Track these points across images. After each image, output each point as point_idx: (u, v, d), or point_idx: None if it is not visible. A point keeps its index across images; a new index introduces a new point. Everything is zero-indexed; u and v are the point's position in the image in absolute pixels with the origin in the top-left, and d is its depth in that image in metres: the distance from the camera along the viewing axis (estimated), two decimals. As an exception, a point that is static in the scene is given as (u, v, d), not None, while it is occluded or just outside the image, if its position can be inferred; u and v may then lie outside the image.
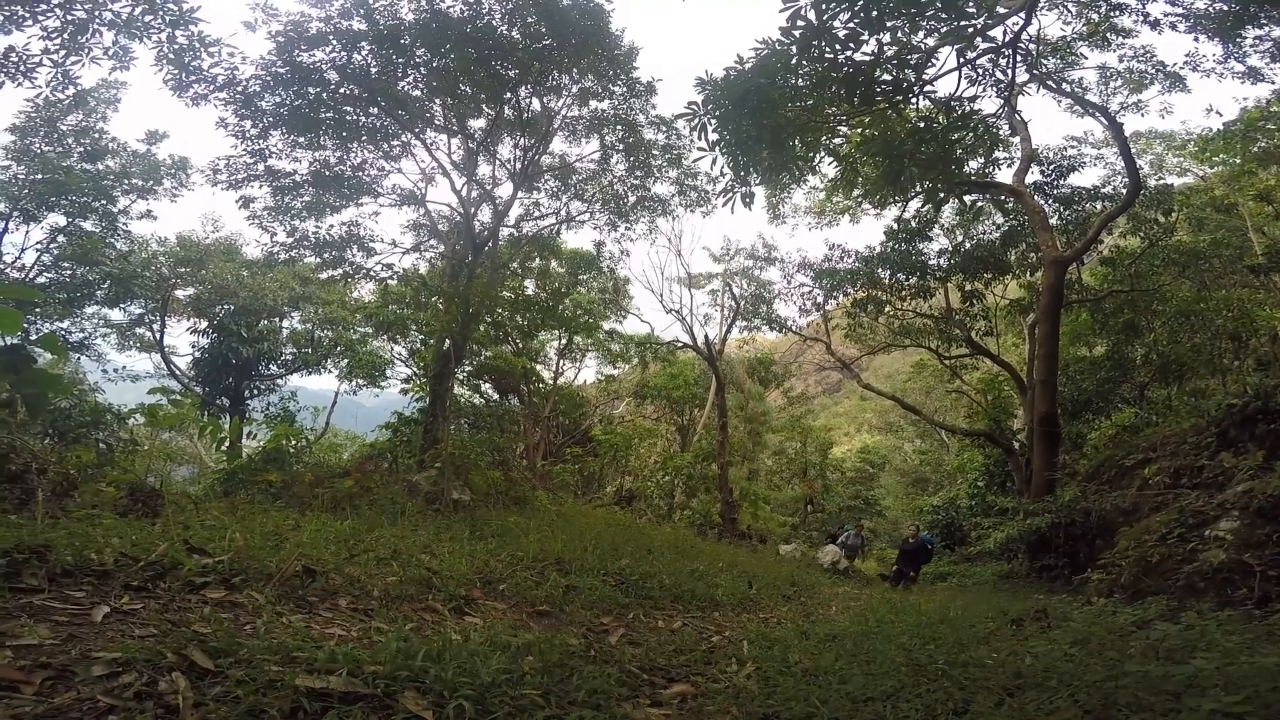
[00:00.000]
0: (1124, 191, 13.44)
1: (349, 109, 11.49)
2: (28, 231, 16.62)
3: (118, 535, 2.84)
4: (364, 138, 12.42)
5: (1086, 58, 13.66)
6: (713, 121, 6.41)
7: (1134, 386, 15.46)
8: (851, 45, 5.65)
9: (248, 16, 10.17)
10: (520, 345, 20.47)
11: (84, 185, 15.83)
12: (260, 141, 11.73)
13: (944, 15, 5.53)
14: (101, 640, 1.75)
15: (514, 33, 10.93)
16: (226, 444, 10.24)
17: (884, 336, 20.10)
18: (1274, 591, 4.25)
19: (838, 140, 8.29)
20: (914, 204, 15.53)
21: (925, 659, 2.88)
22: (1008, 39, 6.66)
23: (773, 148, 6.58)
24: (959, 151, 7.83)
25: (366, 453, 13.84)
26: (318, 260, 15.51)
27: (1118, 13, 11.46)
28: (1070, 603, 5.16)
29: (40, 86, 8.73)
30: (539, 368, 22.01)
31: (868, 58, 5.90)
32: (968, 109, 7.33)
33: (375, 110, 11.61)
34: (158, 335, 20.83)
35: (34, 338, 10.86)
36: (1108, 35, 12.62)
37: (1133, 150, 13.39)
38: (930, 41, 6.17)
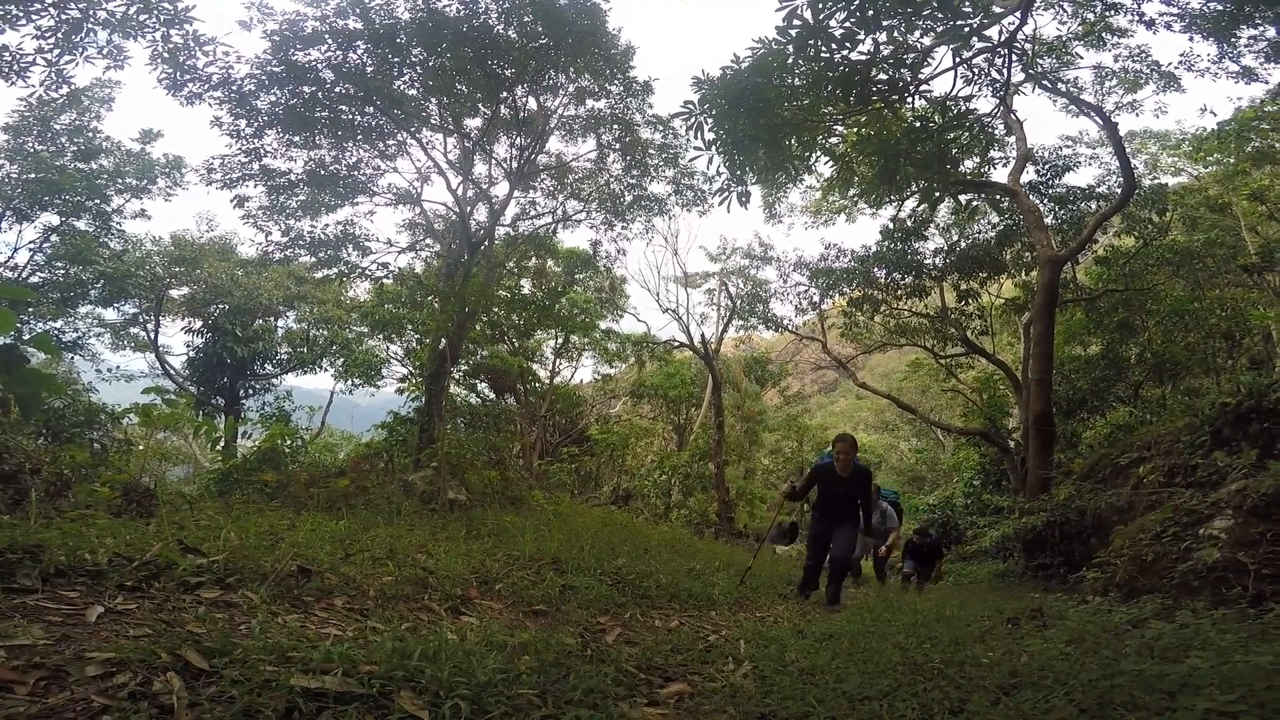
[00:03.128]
0: (1119, 191, 13.48)
1: (344, 108, 11.47)
2: (21, 231, 16.56)
3: (112, 535, 2.82)
4: (359, 137, 12.40)
5: (1082, 57, 13.70)
6: (709, 121, 6.41)
7: (1128, 385, 15.52)
8: (848, 45, 5.66)
9: (243, 15, 10.16)
10: (516, 344, 20.45)
11: (78, 184, 15.75)
12: (255, 140, 11.68)
13: (940, 15, 5.53)
14: (95, 640, 1.74)
15: (510, 32, 10.91)
16: (221, 444, 10.22)
17: (880, 335, 20.14)
18: (1268, 590, 4.26)
19: (834, 140, 8.31)
20: (910, 203, 15.58)
21: (921, 658, 2.89)
22: (1003, 38, 6.68)
23: (769, 147, 6.59)
24: (954, 151, 7.86)
25: (362, 452, 13.81)
26: (313, 259, 15.47)
27: (1113, 12, 11.50)
28: (1066, 601, 5.17)
29: (34, 85, 8.68)
30: (535, 367, 21.99)
31: (864, 57, 5.92)
32: (963, 108, 7.35)
33: (371, 109, 11.59)
34: (152, 335, 20.75)
35: (27, 337, 10.82)
36: (1103, 35, 12.66)
37: (1127, 150, 13.43)
38: (926, 41, 6.19)
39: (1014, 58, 7.24)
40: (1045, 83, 13.14)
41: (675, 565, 5.77)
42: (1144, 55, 13.23)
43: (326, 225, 14.39)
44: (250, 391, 21.53)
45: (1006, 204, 15.60)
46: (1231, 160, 16.90)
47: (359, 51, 10.50)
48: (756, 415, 26.24)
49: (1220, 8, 9.51)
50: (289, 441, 8.75)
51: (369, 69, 10.71)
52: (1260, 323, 14.13)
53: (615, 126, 13.62)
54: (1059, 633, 3.41)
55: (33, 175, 15.41)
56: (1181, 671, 2.26)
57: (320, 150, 12.74)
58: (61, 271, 17.53)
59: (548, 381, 21.94)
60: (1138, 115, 15.72)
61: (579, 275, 20.31)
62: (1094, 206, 14.83)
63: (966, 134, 7.45)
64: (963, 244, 17.11)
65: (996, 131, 13.95)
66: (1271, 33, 9.90)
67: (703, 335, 21.17)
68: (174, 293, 20.59)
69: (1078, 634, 3.27)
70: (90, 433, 11.15)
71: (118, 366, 20.34)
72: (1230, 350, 14.23)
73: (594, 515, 9.42)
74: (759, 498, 22.66)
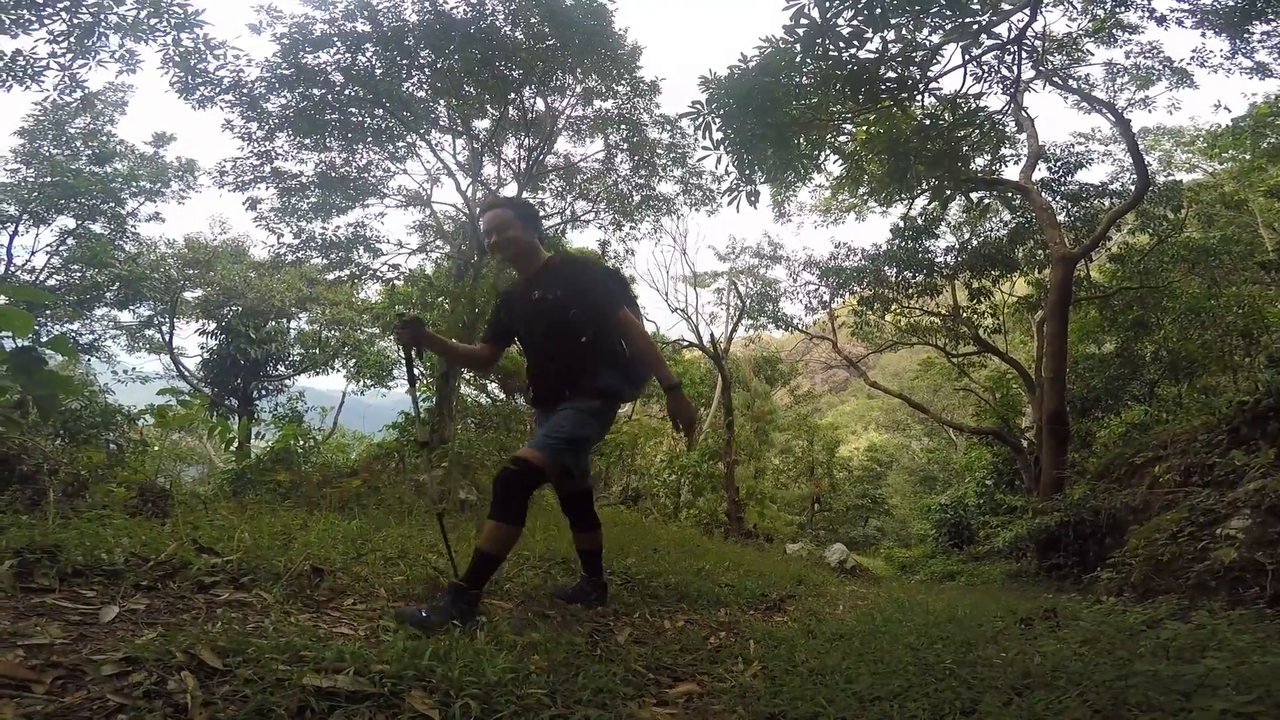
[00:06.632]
0: (1132, 188, 13.36)
1: (354, 110, 11.54)
2: (37, 234, 16.78)
3: (128, 535, 2.86)
4: (369, 139, 12.48)
5: (1093, 54, 13.59)
6: (717, 120, 6.42)
7: (1144, 384, 15.36)
8: (855, 43, 5.65)
9: (252, 19, 10.22)
10: (526, 345, 20.45)
11: (92, 188, 15.93)
12: (266, 143, 11.79)
13: (948, 12, 5.51)
14: (111, 639, 1.77)
15: (518, 33, 10.94)
16: (235, 444, 10.29)
17: (891, 334, 20.04)
18: (1286, 590, 4.21)
19: (843, 138, 8.28)
20: (920, 201, 15.48)
21: (933, 658, 2.87)
22: (1013, 35, 6.64)
23: (777, 146, 6.58)
24: (965, 148, 7.82)
25: (374, 452, 13.88)
26: (324, 261, 15.59)
27: (1123, 8, 11.40)
28: (1080, 602, 5.14)
29: (48, 90, 8.80)
30: (545, 367, 21.98)
31: (872, 55, 5.90)
32: (973, 106, 7.30)
33: (380, 111, 11.65)
34: (167, 337, 20.96)
35: (45, 340, 10.95)
36: (1114, 31, 12.56)
37: (1141, 146, 13.30)
38: (935, 39, 6.16)
39: (1024, 55, 7.19)
40: (1056, 80, 13.04)
41: (685, 565, 5.77)
42: (1156, 51, 13.12)
43: (338, 227, 14.51)
44: (263, 392, 21.70)
45: (1018, 201, 15.48)
46: (1247, 156, 16.71)
47: (368, 54, 10.56)
48: (767, 415, 26.16)
49: (1232, 3, 9.40)
50: (302, 442, 8.80)
51: (378, 71, 10.76)
52: (1278, 320, 13.93)
53: (623, 126, 13.63)
54: (1073, 633, 3.38)
55: (48, 179, 15.59)
56: (1197, 672, 2.24)
57: (331, 152, 12.83)
58: (78, 274, 17.74)
59: (557, 382, 21.91)
60: (1150, 112, 15.58)
61: (588, 276, 20.30)
62: (1107, 204, 14.70)
63: (977, 131, 7.41)
64: (974, 242, 17.00)
65: (1007, 129, 13.87)
66: (1287, 26, 9.77)
67: (712, 335, 21.15)
68: (188, 295, 20.79)
69: (1092, 634, 3.25)
70: (106, 434, 11.25)
71: (133, 368, 20.57)
72: (1248, 348, 14.04)
73: (604, 515, 9.41)
74: (769, 497, 22.62)
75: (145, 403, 12.32)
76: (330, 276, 17.14)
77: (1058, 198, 15.01)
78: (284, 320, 21.81)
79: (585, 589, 3.51)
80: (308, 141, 12.12)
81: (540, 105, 13.16)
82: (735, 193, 7.07)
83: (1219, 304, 13.85)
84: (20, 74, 8.44)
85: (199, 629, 1.89)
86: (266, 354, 20.57)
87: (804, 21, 5.40)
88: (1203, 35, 10.57)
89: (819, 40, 5.54)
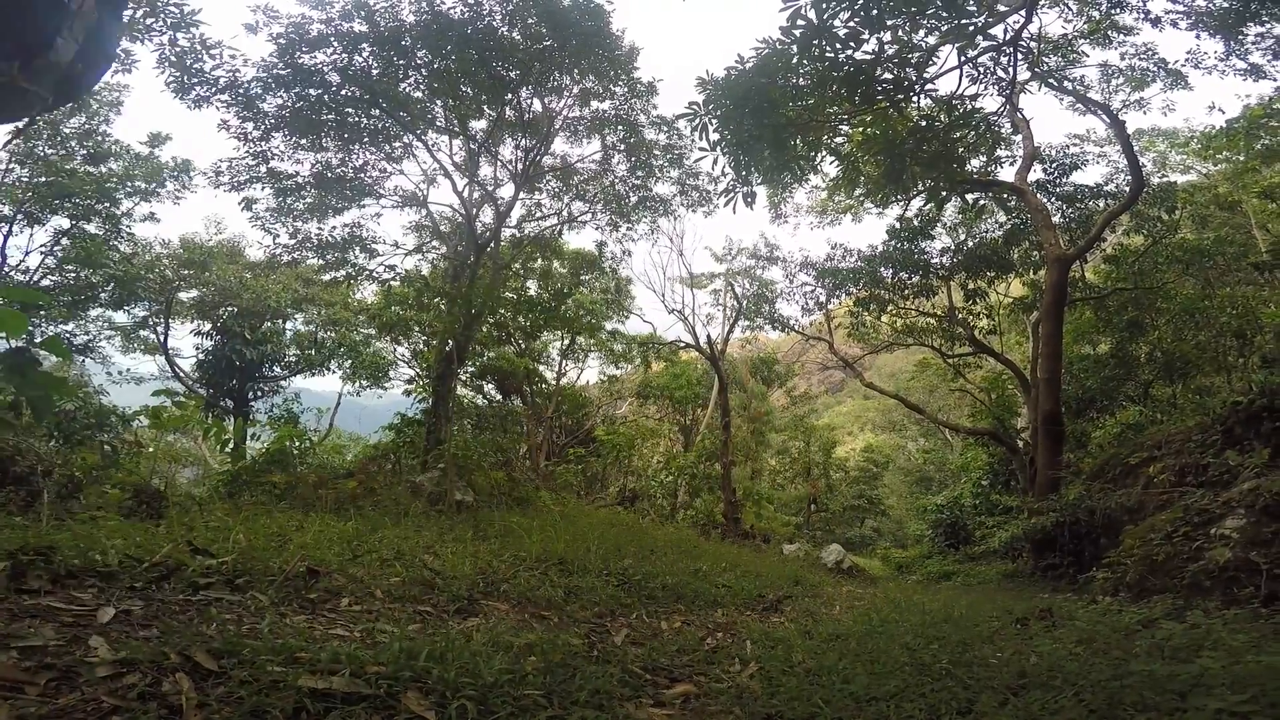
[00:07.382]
0: (1127, 189, 13.42)
1: (350, 111, 11.52)
2: (32, 234, 16.71)
3: (122, 537, 2.85)
4: (365, 139, 12.46)
5: (1088, 55, 13.65)
6: (714, 121, 6.41)
7: (1138, 384, 15.42)
8: (852, 44, 5.65)
9: (249, 19, 10.19)
10: (523, 346, 20.48)
11: (87, 188, 15.87)
12: (262, 143, 11.76)
13: (945, 14, 5.52)
14: (106, 641, 1.76)
15: (515, 34, 10.94)
16: (230, 446, 10.24)
17: (887, 335, 20.08)
18: (1280, 589, 4.23)
19: (839, 139, 8.29)
20: (916, 202, 15.53)
21: (929, 658, 2.88)
22: (1008, 37, 6.65)
23: (774, 147, 6.58)
24: (961, 150, 7.83)
25: (370, 454, 13.84)
26: (320, 262, 15.57)
27: (1118, 10, 11.44)
28: (1075, 602, 5.16)
29: (43, 90, 8.75)
30: (542, 368, 22.01)
31: (868, 57, 5.91)
32: (969, 107, 7.32)
33: (377, 112, 11.63)
34: (162, 337, 20.88)
35: (39, 340, 10.90)
36: (1109, 33, 12.60)
37: (1135, 148, 13.36)
38: (931, 40, 6.17)
39: (1019, 56, 7.22)
40: (1051, 81, 13.09)
41: (681, 566, 5.77)
42: (1150, 53, 13.17)
43: (334, 228, 14.48)
44: (259, 394, 21.61)
45: (1014, 203, 15.53)
46: (1241, 158, 16.80)
47: (364, 54, 10.53)
48: (763, 416, 26.19)
49: (1227, 5, 9.45)
50: (297, 443, 8.77)
51: (374, 71, 10.74)
52: (1271, 321, 13.99)
53: (620, 127, 13.63)
54: (1068, 633, 3.40)
55: (43, 179, 15.53)
56: (1192, 672, 2.25)
57: (327, 153, 12.80)
58: (72, 275, 17.67)
59: (554, 383, 21.96)
60: (1145, 113, 15.67)
61: (585, 276, 20.33)
62: (1102, 205, 14.75)
63: (973, 133, 7.43)
64: (970, 243, 17.06)
65: (1003, 130, 13.92)
66: (1278, 30, 9.82)
67: (709, 336, 21.14)
68: (183, 295, 20.72)
69: (1087, 634, 3.26)
70: (101, 435, 11.20)
71: (128, 369, 20.52)
72: (1241, 349, 14.11)
73: (600, 516, 9.42)
74: (766, 498, 22.63)
75: (140, 404, 12.27)
76: (326, 277, 17.11)
77: (1053, 199, 15.06)
78: (280, 321, 21.73)
79: None
80: (304, 142, 12.09)
81: (537, 106, 13.16)
82: (732, 193, 7.06)
83: (1213, 305, 13.91)
84: (14, 74, 8.39)
85: (194, 630, 1.88)
86: (262, 355, 20.49)
87: (801, 23, 5.41)
88: (1197, 37, 10.64)
89: (816, 41, 5.55)
